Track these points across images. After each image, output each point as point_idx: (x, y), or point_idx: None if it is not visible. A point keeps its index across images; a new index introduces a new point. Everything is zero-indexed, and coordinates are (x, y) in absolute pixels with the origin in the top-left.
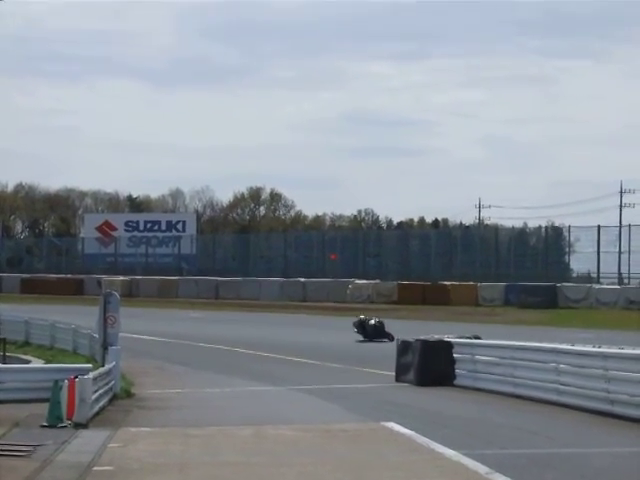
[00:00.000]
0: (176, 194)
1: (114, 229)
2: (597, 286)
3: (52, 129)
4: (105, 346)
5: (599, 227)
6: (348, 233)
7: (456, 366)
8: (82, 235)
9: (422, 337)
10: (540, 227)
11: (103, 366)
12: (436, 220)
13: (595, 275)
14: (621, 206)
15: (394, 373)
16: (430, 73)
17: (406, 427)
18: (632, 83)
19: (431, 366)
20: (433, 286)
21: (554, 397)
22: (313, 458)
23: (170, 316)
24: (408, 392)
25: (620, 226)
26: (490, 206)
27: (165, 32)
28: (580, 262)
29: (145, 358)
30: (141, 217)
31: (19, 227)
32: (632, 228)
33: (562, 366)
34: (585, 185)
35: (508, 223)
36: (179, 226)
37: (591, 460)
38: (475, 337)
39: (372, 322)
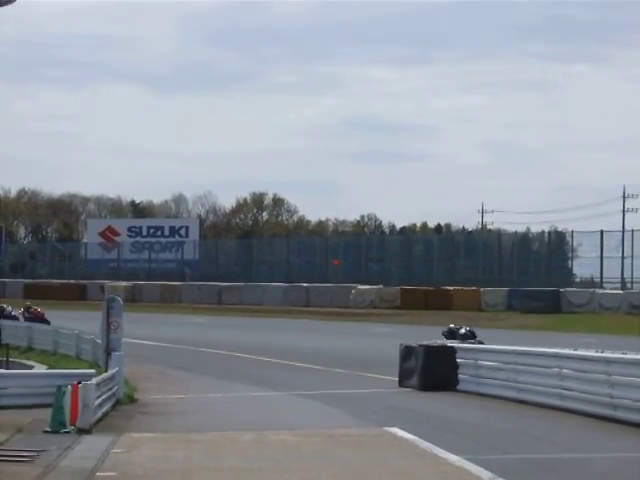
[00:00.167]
0: (179, 199)
1: (117, 234)
2: (600, 291)
3: (54, 134)
4: (108, 351)
5: (602, 232)
6: (351, 238)
7: (459, 371)
8: (85, 240)
9: (425, 342)
10: (543, 232)
11: (106, 371)
12: (439, 225)
13: (598, 280)
14: (624, 211)
15: (397, 378)
16: (431, 78)
17: (409, 432)
18: (633, 87)
19: (434, 371)
20: (436, 291)
21: (557, 402)
22: (315, 463)
23: (173, 321)
24: (411, 397)
25: (623, 231)
26: (493, 211)
27: (167, 37)
28: (583, 267)
29: (148, 363)
30: (144, 222)
31: (22, 232)
32: (635, 233)
33: (565, 371)
34: (588, 190)
35: (511, 228)
36: (182, 231)
37: (594, 465)
38: (470, 331)
39: (462, 331)
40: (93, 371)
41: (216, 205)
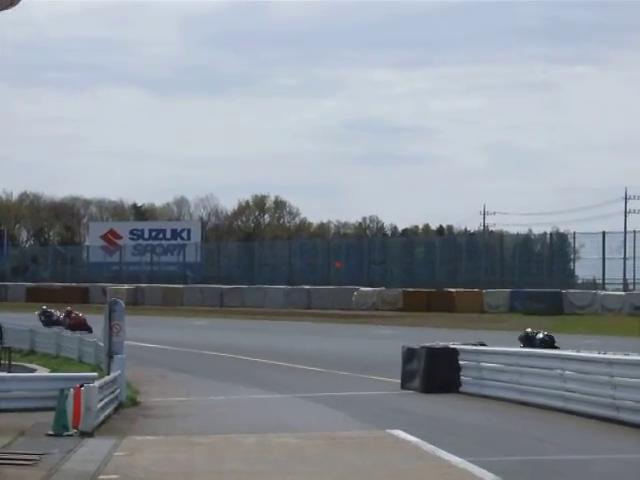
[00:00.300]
0: (181, 202)
1: (119, 237)
2: (602, 292)
3: (56, 137)
4: (110, 354)
5: (604, 233)
6: (353, 240)
7: (462, 373)
8: (87, 243)
9: (427, 344)
10: (545, 234)
11: (108, 374)
12: (441, 227)
13: (600, 281)
14: (626, 212)
15: (399, 380)
16: (432, 80)
17: (412, 434)
18: (634, 89)
19: (437, 373)
20: (438, 293)
21: (560, 404)
22: (318, 466)
23: (175, 324)
24: (414, 399)
25: (625, 232)
26: (495, 213)
27: (168, 41)
28: (585, 268)
29: (150, 366)
30: (146, 225)
31: (24, 236)
32: (637, 234)
33: (568, 373)
34: (589, 191)
35: (513, 230)
36: (184, 234)
37: (597, 466)
38: (480, 344)
39: (540, 336)
40: (95, 374)
41: (218, 208)
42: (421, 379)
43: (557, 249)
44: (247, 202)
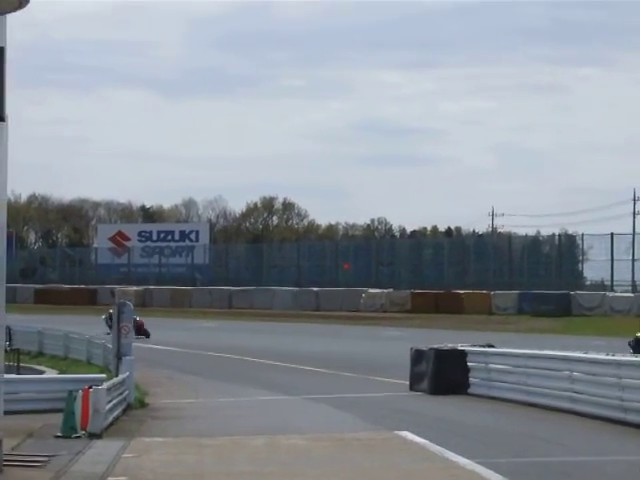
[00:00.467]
0: (189, 204)
1: (127, 239)
2: (611, 294)
3: (63, 139)
4: (119, 356)
5: (612, 235)
6: (361, 242)
7: (470, 375)
8: (95, 245)
9: (436, 346)
10: (553, 235)
11: (117, 376)
12: (449, 229)
13: (609, 283)
14: (634, 213)
15: (408, 382)
16: (439, 82)
17: (420, 436)
18: None
19: (445, 375)
20: (446, 295)
21: (568, 405)
22: (326, 468)
23: (183, 326)
24: (422, 401)
25: (634, 233)
26: (503, 214)
27: (175, 42)
28: (593, 270)
29: (158, 368)
30: (154, 227)
31: (32, 238)
32: None
33: (576, 374)
34: (598, 192)
35: (521, 231)
36: (192, 236)
37: (604, 468)
38: (489, 345)
39: None
40: (104, 376)
41: (226, 209)
42: (429, 381)
43: (565, 250)
44: (255, 204)
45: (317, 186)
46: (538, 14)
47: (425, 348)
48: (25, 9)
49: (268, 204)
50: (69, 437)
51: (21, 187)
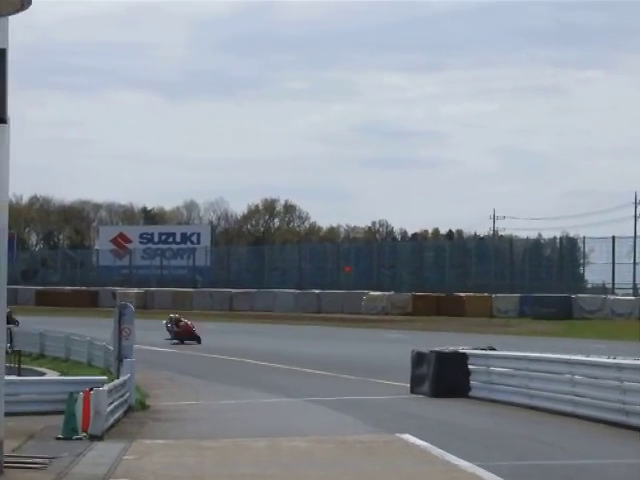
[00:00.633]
0: (190, 206)
1: (129, 241)
2: (612, 297)
3: (65, 141)
4: (120, 358)
5: (614, 238)
6: (362, 245)
7: (471, 377)
8: (97, 247)
9: (437, 348)
10: (555, 238)
11: (118, 378)
12: (450, 231)
13: (610, 286)
14: (636, 217)
15: (409, 384)
16: (442, 84)
17: (421, 439)
18: None
19: (446, 377)
20: (448, 297)
21: (569, 408)
22: (328, 470)
23: None
24: (423, 403)
25: (635, 237)
26: (504, 217)
27: (177, 44)
28: (595, 273)
29: (160, 370)
30: (156, 229)
31: (34, 239)
32: None
33: (577, 377)
34: (599, 196)
35: (522, 234)
36: (193, 238)
37: (606, 471)
38: (490, 348)
39: None
40: (105, 378)
41: (228, 212)
42: (430, 383)
43: (567, 254)
44: (257, 206)
45: (319, 188)
46: (541, 16)
47: (426, 351)
48: (27, 11)
49: (270, 206)
50: (70, 439)
51: (22, 189)
